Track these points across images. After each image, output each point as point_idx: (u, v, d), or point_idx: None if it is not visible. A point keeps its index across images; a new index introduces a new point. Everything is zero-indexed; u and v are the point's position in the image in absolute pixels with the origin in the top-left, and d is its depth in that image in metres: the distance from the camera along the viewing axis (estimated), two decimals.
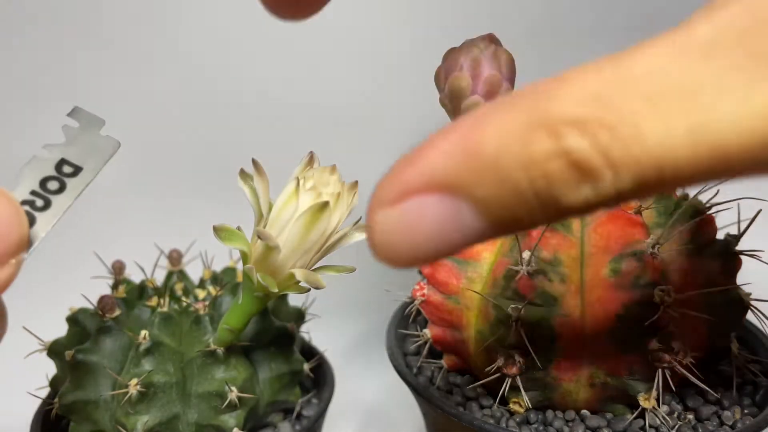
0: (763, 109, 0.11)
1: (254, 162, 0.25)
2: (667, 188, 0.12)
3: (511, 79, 0.29)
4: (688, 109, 0.11)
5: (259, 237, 0.23)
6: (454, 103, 0.29)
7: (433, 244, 0.13)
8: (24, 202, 0.19)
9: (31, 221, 0.19)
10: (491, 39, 0.28)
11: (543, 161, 0.12)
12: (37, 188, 0.20)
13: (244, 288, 0.27)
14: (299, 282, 0.25)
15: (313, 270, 0.26)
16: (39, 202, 0.20)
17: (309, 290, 0.26)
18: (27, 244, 0.19)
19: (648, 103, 0.12)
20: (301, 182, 0.24)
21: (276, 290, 0.25)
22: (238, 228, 0.26)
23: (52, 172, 0.20)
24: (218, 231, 0.25)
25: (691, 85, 0.12)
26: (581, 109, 0.12)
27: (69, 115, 0.21)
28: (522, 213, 0.13)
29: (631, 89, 0.12)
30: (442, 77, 0.29)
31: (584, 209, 0.13)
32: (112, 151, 0.21)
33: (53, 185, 0.20)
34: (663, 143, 0.12)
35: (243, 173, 0.26)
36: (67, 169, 0.20)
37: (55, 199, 0.20)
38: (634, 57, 0.12)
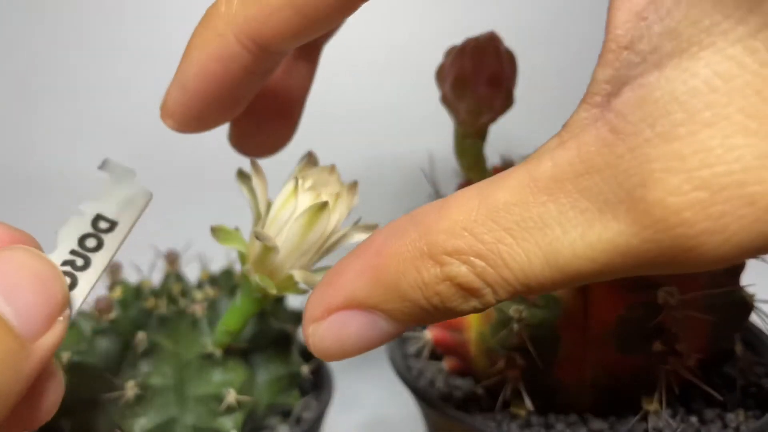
0: (596, 243, 0.14)
1: (252, 162, 0.25)
2: (537, 293, 0.15)
3: (513, 78, 0.29)
4: (541, 240, 0.14)
5: (257, 238, 0.23)
6: (456, 102, 0.29)
7: (357, 344, 0.17)
8: (65, 263, 0.20)
9: (74, 282, 0.19)
10: (493, 37, 0.28)
11: (434, 284, 0.15)
12: (76, 247, 0.20)
13: (242, 289, 0.26)
14: (298, 283, 0.25)
15: (313, 271, 0.25)
16: (79, 262, 0.20)
17: (308, 291, 0.25)
18: (68, 302, 0.19)
19: (508, 233, 0.15)
20: (300, 182, 0.24)
21: (274, 291, 0.25)
22: (236, 229, 0.25)
23: (90, 230, 0.20)
24: (215, 232, 0.25)
25: (542, 219, 0.14)
26: (457, 241, 0.15)
27: (100, 168, 0.21)
28: (426, 317, 0.16)
29: (494, 221, 0.15)
30: (443, 76, 0.29)
31: (477, 312, 0.16)
32: (145, 203, 0.21)
33: (91, 243, 0.20)
34: (524, 269, 0.15)
35: (241, 173, 0.26)
36: (103, 224, 0.21)
37: (94, 257, 0.20)
38: (497, 190, 0.15)
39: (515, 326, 0.28)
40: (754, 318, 0.31)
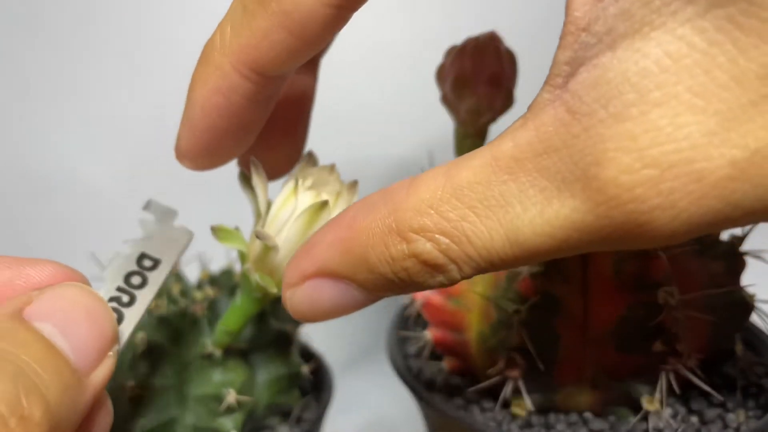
0: (554, 220, 0.14)
1: (253, 161, 0.25)
2: (501, 269, 0.16)
3: (513, 77, 0.29)
4: (502, 217, 0.15)
5: (257, 237, 0.23)
6: (456, 102, 0.29)
7: (330, 309, 0.18)
8: (112, 299, 0.20)
9: (120, 317, 0.20)
10: (493, 37, 0.28)
11: (401, 260, 0.16)
12: (122, 284, 0.21)
13: (242, 288, 0.26)
14: None
15: None
16: (125, 298, 0.21)
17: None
18: (117, 337, 0.19)
19: (472, 211, 0.15)
20: (300, 181, 0.24)
21: (275, 290, 0.25)
22: (236, 228, 0.25)
23: (135, 267, 0.21)
24: (216, 231, 0.25)
25: (503, 197, 0.15)
26: (423, 219, 0.16)
27: (144, 208, 0.22)
28: (395, 289, 0.17)
29: (459, 200, 0.15)
30: (444, 76, 0.29)
31: (444, 286, 0.17)
32: (186, 242, 0.22)
33: (136, 280, 0.21)
34: (487, 246, 0.15)
35: (243, 176, 0.25)
36: (147, 262, 0.21)
37: (139, 294, 0.21)
38: (462, 169, 0.15)
39: (515, 326, 0.28)
40: (754, 318, 0.31)
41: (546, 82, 0.15)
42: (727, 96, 0.13)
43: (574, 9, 0.14)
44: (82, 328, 0.17)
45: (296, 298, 0.18)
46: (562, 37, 0.15)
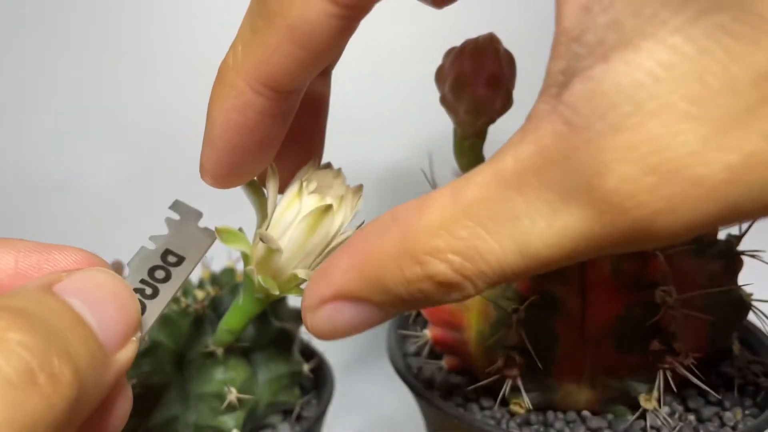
0: (562, 231, 0.15)
1: (270, 165, 0.25)
2: (514, 281, 0.17)
3: (512, 79, 0.29)
4: (512, 232, 0.15)
5: (261, 239, 0.23)
6: (455, 103, 0.29)
7: (348, 329, 0.19)
8: (135, 290, 0.21)
9: (143, 308, 0.21)
10: (492, 38, 0.28)
11: (416, 282, 0.17)
12: (146, 277, 0.21)
13: (245, 289, 0.27)
14: (301, 284, 0.25)
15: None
16: (148, 291, 0.21)
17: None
18: (141, 324, 0.20)
19: (483, 228, 0.15)
20: (304, 184, 0.24)
21: (277, 292, 0.25)
22: (240, 229, 0.26)
23: (159, 262, 0.22)
24: (220, 233, 0.25)
25: (511, 212, 0.15)
26: (435, 241, 0.16)
27: (170, 207, 0.23)
28: (411, 307, 0.18)
29: (468, 218, 0.16)
30: (443, 77, 0.29)
31: (459, 301, 0.17)
32: (210, 242, 0.23)
33: (160, 274, 0.22)
34: (500, 260, 0.15)
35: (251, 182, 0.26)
36: (171, 258, 0.22)
37: (162, 288, 0.21)
38: (467, 187, 0.16)
39: (514, 325, 0.29)
40: (751, 317, 0.32)
41: (542, 92, 0.15)
42: (721, 102, 0.13)
43: (564, 19, 0.15)
44: (109, 308, 0.18)
45: (316, 320, 0.19)
46: (553, 48, 0.15)
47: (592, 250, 0.15)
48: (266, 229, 0.24)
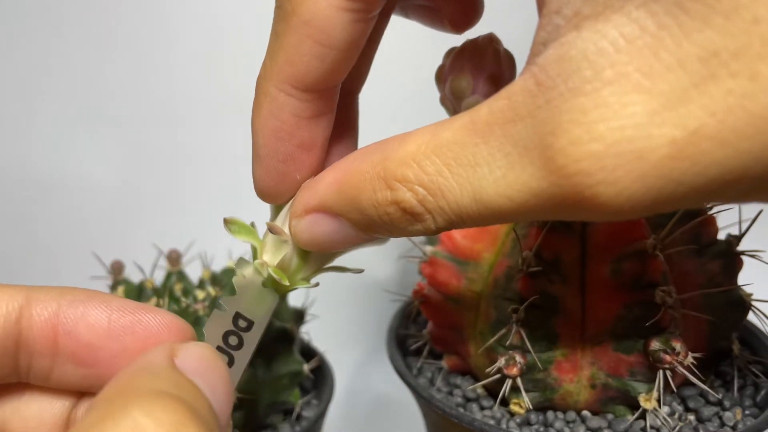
0: (514, 183, 0.15)
1: None
2: (470, 226, 0.17)
3: (511, 78, 0.29)
4: (470, 177, 0.16)
5: (270, 231, 0.23)
6: (455, 103, 0.29)
7: (327, 241, 0.20)
8: None
9: None
10: (492, 38, 0.28)
11: (385, 205, 0.18)
12: (222, 344, 0.21)
13: None
14: (309, 278, 0.25)
15: (325, 268, 0.25)
16: (225, 359, 0.21)
17: (318, 285, 0.25)
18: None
19: (447, 168, 0.16)
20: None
21: (287, 283, 0.25)
22: (252, 224, 0.25)
23: (231, 327, 0.22)
24: (228, 224, 0.24)
25: (474, 158, 0.16)
26: (405, 170, 0.17)
27: (236, 266, 0.23)
28: (382, 231, 0.19)
29: (438, 156, 0.17)
30: (443, 77, 0.29)
31: (424, 234, 0.18)
32: (274, 303, 0.22)
33: (233, 340, 0.22)
34: (457, 200, 0.17)
35: None
36: (242, 323, 0.22)
37: (237, 355, 0.21)
38: (445, 129, 0.17)
39: (514, 325, 0.29)
40: (751, 317, 0.32)
41: (526, 61, 0.16)
42: (671, 77, 0.13)
43: None
44: (221, 391, 0.18)
45: (299, 227, 0.20)
46: (539, 20, 0.16)
47: (540, 209, 0.15)
48: (276, 221, 0.24)
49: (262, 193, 0.22)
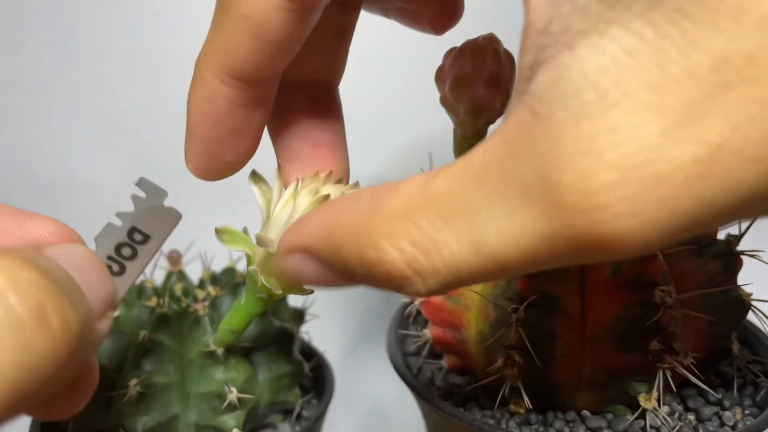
0: (519, 229, 0.14)
1: (279, 165, 0.25)
2: (470, 284, 0.15)
3: (512, 79, 0.29)
4: (470, 227, 0.14)
5: (258, 243, 0.23)
6: (455, 103, 0.29)
7: (311, 282, 0.19)
8: None
9: None
10: (492, 39, 0.28)
11: (369, 265, 0.16)
12: (113, 254, 0.21)
13: (247, 289, 0.27)
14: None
15: None
16: (115, 267, 0.21)
17: (313, 292, 0.25)
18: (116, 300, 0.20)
19: (443, 221, 0.15)
20: (300, 184, 0.24)
21: (280, 292, 0.25)
22: (244, 229, 0.26)
23: (126, 239, 0.22)
24: (220, 233, 0.25)
25: (472, 207, 0.14)
26: (394, 226, 0.15)
27: (136, 184, 0.23)
28: (366, 284, 0.17)
29: (431, 208, 0.15)
30: (443, 77, 0.29)
31: (410, 295, 0.17)
32: (175, 222, 0.22)
33: (126, 251, 0.22)
34: (455, 255, 0.15)
35: (254, 175, 0.26)
36: (137, 236, 0.22)
37: (129, 265, 0.22)
38: (436, 178, 0.15)
39: (514, 325, 0.29)
40: (751, 317, 0.32)
41: (514, 88, 0.15)
42: (682, 90, 0.12)
43: (530, 12, 0.14)
44: (93, 279, 0.18)
45: (285, 265, 0.19)
46: (522, 42, 0.14)
47: (555, 255, 0.14)
48: (266, 231, 0.24)
49: (194, 170, 0.22)
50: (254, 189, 0.25)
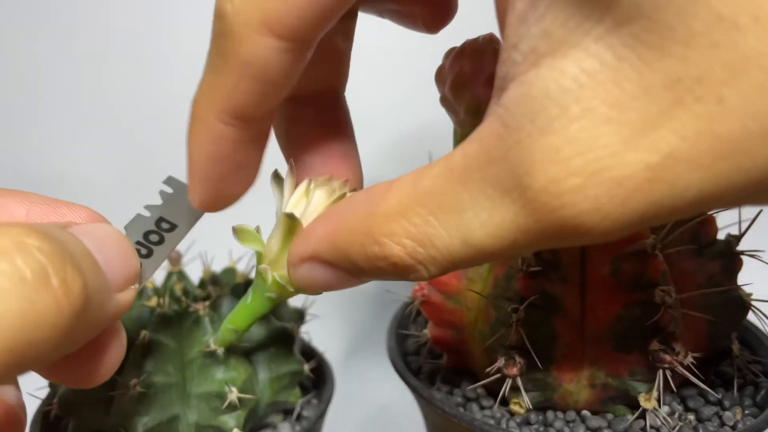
0: (501, 223, 0.16)
1: (289, 164, 0.25)
2: (462, 268, 0.18)
3: None
4: (458, 222, 0.17)
5: (287, 216, 0.23)
6: (455, 103, 0.29)
7: (323, 286, 0.21)
8: None
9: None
10: (492, 39, 0.28)
11: (375, 260, 0.18)
12: (141, 239, 0.23)
13: (255, 288, 0.26)
14: None
15: None
16: (143, 251, 0.23)
17: (322, 293, 0.25)
18: (139, 276, 0.21)
19: (433, 217, 0.17)
20: (312, 184, 0.24)
21: (293, 289, 0.25)
22: (257, 228, 0.26)
23: (153, 227, 0.24)
24: (237, 232, 0.25)
25: (458, 205, 0.16)
26: (392, 225, 0.18)
27: (164, 182, 0.24)
28: (376, 277, 0.19)
29: (422, 207, 0.17)
30: (443, 77, 0.29)
31: (417, 280, 0.20)
32: (200, 214, 0.24)
33: (154, 238, 0.23)
34: (448, 247, 0.17)
35: (276, 173, 0.26)
36: (165, 225, 0.24)
37: (156, 249, 0.23)
38: (423, 178, 0.17)
39: (514, 325, 0.29)
40: (751, 317, 0.32)
41: (492, 95, 0.16)
42: (638, 106, 0.14)
43: (505, 27, 0.16)
44: (113, 253, 0.20)
45: (297, 275, 0.22)
46: (500, 54, 0.16)
47: (531, 243, 0.16)
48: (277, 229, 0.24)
49: (200, 207, 0.23)
50: (274, 186, 0.25)
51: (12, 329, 0.15)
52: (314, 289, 0.22)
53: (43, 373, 0.21)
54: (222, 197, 0.23)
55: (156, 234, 0.24)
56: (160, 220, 0.24)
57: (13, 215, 0.21)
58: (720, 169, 0.13)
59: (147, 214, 0.24)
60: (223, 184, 0.22)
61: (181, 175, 0.25)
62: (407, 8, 0.25)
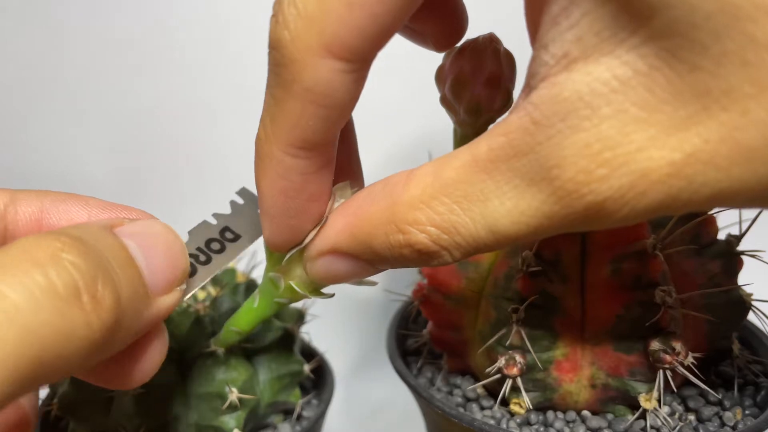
0: (527, 210, 0.17)
1: None
2: (485, 252, 0.19)
3: (512, 79, 0.29)
4: (483, 210, 0.18)
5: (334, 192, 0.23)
6: (455, 103, 0.29)
7: (342, 278, 0.22)
8: (190, 255, 0.22)
9: (193, 271, 0.22)
10: (492, 39, 0.28)
11: (399, 248, 0.19)
12: (202, 246, 0.23)
13: (263, 293, 0.26)
14: (324, 288, 0.25)
15: None
16: (202, 257, 0.23)
17: (333, 295, 0.25)
18: (187, 277, 0.21)
19: (458, 205, 0.18)
20: (338, 194, 0.24)
21: (306, 294, 0.24)
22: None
23: (216, 236, 0.24)
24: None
25: (483, 194, 0.18)
26: (416, 213, 0.18)
27: (237, 193, 0.25)
28: (396, 266, 0.20)
29: (446, 196, 0.18)
30: (443, 77, 0.29)
31: (440, 265, 0.20)
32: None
33: (215, 246, 0.23)
34: (472, 234, 0.18)
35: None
36: (228, 235, 0.24)
37: (215, 257, 0.23)
38: (447, 168, 0.18)
39: (514, 325, 0.29)
40: (751, 317, 0.32)
41: (522, 90, 0.17)
42: (667, 109, 0.15)
43: (539, 28, 0.17)
44: (159, 255, 0.20)
45: (315, 268, 0.22)
46: (533, 52, 0.17)
47: (554, 228, 0.17)
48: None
49: (275, 247, 0.23)
50: None
51: (43, 340, 0.15)
52: (331, 281, 0.22)
53: (81, 376, 0.21)
54: (294, 235, 0.22)
55: (218, 242, 0.24)
56: (225, 229, 0.24)
57: (75, 221, 0.22)
58: (736, 172, 0.15)
59: (213, 221, 0.24)
60: (296, 221, 0.22)
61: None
62: (419, 26, 0.25)
